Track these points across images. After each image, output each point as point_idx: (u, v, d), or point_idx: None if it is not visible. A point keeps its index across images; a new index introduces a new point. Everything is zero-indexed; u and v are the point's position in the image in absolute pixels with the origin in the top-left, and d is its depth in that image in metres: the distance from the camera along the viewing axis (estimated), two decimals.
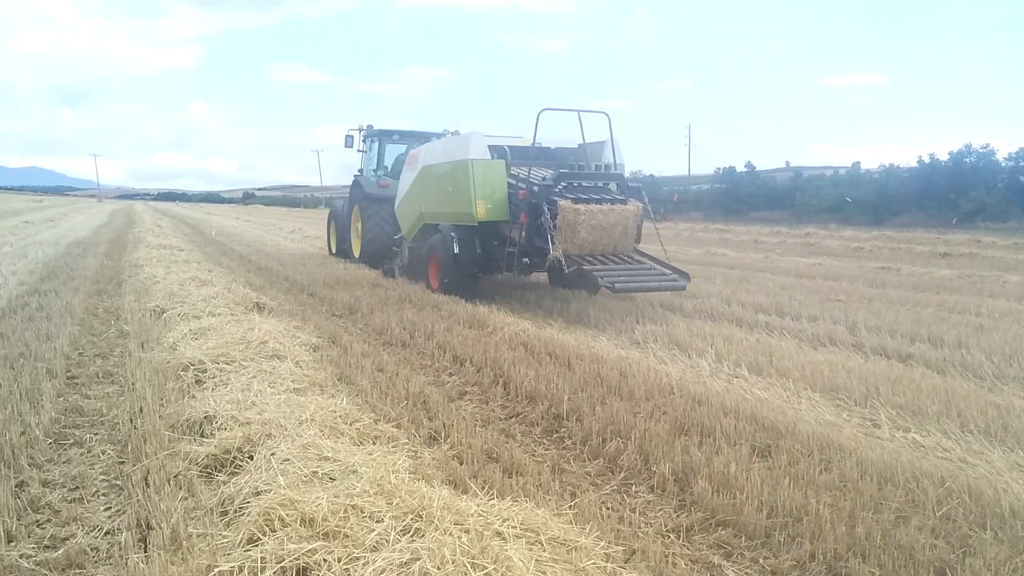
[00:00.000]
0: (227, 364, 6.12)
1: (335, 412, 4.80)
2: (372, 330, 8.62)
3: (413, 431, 4.94)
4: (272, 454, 3.99)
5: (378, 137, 16.43)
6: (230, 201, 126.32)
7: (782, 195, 41.32)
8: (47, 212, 47.42)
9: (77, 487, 4.04)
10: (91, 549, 3.34)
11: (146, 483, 3.97)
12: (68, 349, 7.12)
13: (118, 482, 4.08)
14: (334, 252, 18.16)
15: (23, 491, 3.91)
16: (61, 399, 5.57)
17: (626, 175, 11.12)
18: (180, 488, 3.92)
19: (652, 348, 7.54)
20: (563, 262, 9.26)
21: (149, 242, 19.96)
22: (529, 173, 10.39)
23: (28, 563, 3.16)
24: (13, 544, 3.34)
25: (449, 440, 4.76)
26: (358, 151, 16.82)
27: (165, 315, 8.60)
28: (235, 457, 4.18)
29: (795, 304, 9.95)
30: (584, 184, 10.17)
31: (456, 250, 10.73)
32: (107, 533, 3.51)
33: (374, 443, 4.47)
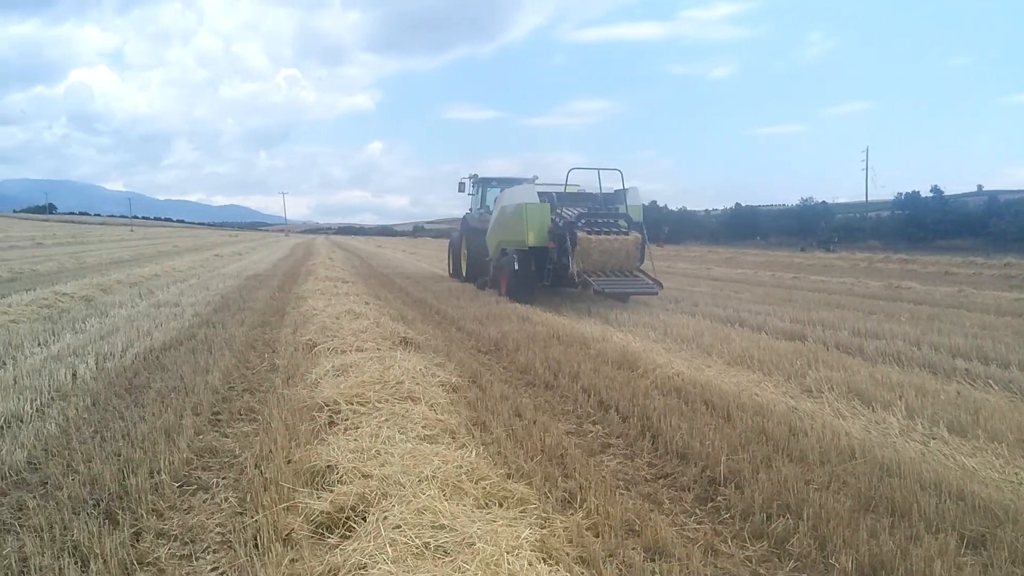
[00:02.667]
0: (361, 405, 5.91)
1: (461, 467, 4.38)
2: (515, 369, 8.21)
3: (546, 491, 4.41)
4: (384, 518, 3.61)
5: (481, 183, 20.53)
6: (402, 234, 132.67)
7: (974, 221, 37.62)
8: (238, 246, 51.54)
9: (190, 541, 3.84)
10: None
11: (255, 542, 3.71)
12: (219, 383, 7.21)
13: (231, 537, 3.85)
14: (451, 274, 22.28)
15: (137, 543, 3.76)
16: (199, 437, 5.52)
17: (641, 210, 15.13)
18: (289, 549, 3.63)
19: (827, 398, 6.61)
20: (575, 275, 13.44)
21: (319, 274, 20.87)
22: (561, 212, 14.55)
23: None
24: None
25: (585, 506, 4.19)
26: (468, 194, 20.85)
27: (316, 349, 8.64)
28: (348, 517, 3.84)
29: (1001, 348, 8.57)
30: (599, 220, 14.23)
31: (516, 267, 14.80)
32: None
33: (500, 505, 4.01)
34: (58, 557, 3.50)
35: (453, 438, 5.22)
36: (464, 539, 3.36)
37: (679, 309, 13.55)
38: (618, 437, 5.68)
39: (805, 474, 4.60)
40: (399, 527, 3.49)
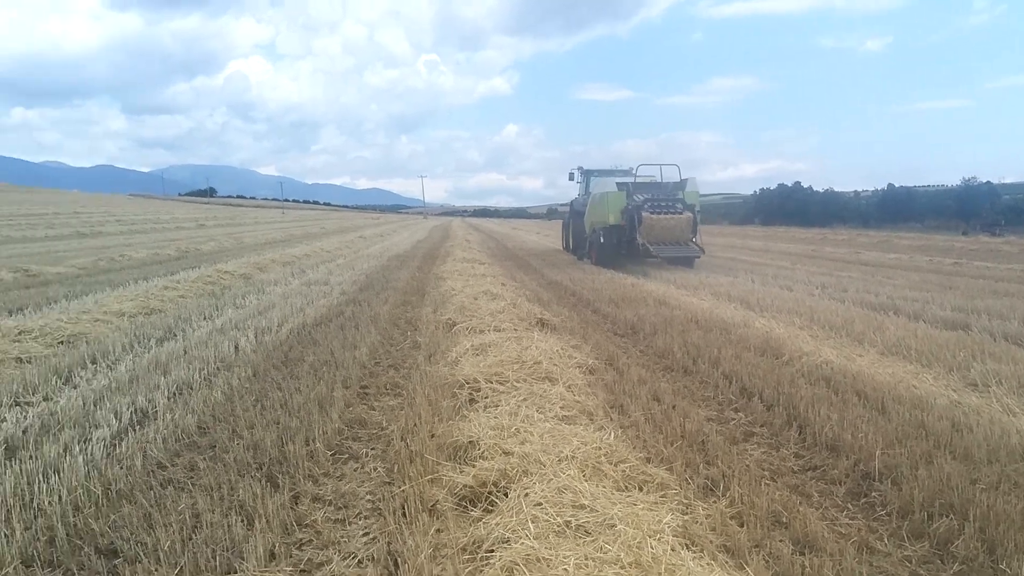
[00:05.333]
0: (500, 384, 6.00)
1: (600, 449, 4.36)
2: (653, 352, 8.09)
3: (687, 477, 4.33)
4: (526, 495, 3.66)
5: (586, 173, 24.26)
6: (535, 216, 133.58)
7: None
8: (380, 228, 53.64)
9: (343, 507, 4.05)
10: None
11: (403, 511, 3.85)
12: (366, 359, 7.54)
13: (380, 505, 4.02)
14: (563, 248, 27.07)
15: (296, 506, 4.00)
16: (349, 409, 5.80)
17: (696, 195, 19.31)
18: (435, 520, 3.75)
19: (995, 393, 6.10)
20: (640, 246, 18.13)
21: (456, 256, 21.38)
22: (633, 197, 18.83)
23: None
24: (273, 564, 3.36)
25: (728, 494, 4.08)
26: (577, 183, 24.98)
27: (455, 328, 8.87)
28: (490, 492, 3.92)
29: None
30: (661, 203, 18.68)
31: (602, 241, 19.51)
32: (359, 563, 3.40)
33: (640, 489, 3.97)
34: (226, 515, 3.78)
35: (591, 420, 5.21)
36: (605, 520, 3.35)
37: (826, 295, 12.89)
38: (762, 426, 5.48)
39: (971, 473, 4.28)
40: (540, 504, 3.52)
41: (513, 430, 4.73)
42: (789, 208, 63.07)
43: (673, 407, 5.77)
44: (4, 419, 5.34)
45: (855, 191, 71.30)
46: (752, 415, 5.71)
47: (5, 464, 4.42)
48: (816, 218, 58.86)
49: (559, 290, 14.20)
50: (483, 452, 4.44)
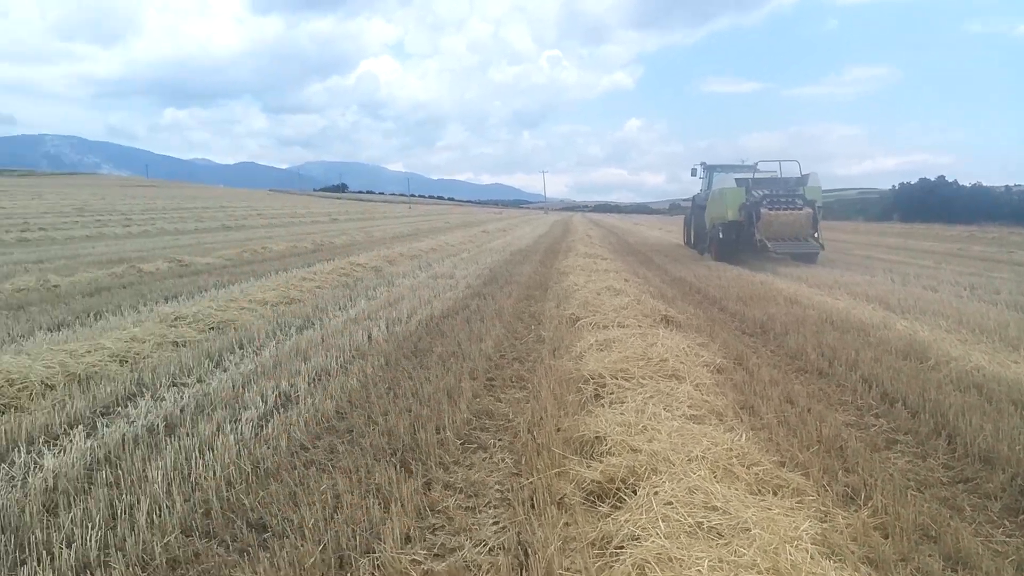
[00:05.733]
0: (625, 381, 5.97)
1: (731, 450, 4.26)
2: (784, 353, 7.81)
3: (824, 484, 4.16)
4: (655, 493, 3.63)
5: (708, 169, 24.13)
6: (657, 212, 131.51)
7: None
8: (502, 223, 54.30)
9: (473, 495, 4.14)
10: (473, 566, 3.32)
11: (532, 503, 3.90)
12: (491, 351, 7.68)
13: (509, 496, 4.09)
14: (685, 243, 27.04)
15: (428, 492, 4.13)
16: (476, 400, 5.92)
17: (818, 191, 19.26)
18: (563, 513, 3.78)
19: None
20: (758, 241, 18.27)
21: (578, 251, 21.38)
22: (752, 193, 18.93)
23: (416, 571, 3.24)
24: (409, 546, 3.48)
25: (871, 504, 3.89)
26: (699, 178, 24.98)
27: (579, 323, 8.88)
28: (618, 488, 3.91)
29: None
30: (780, 199, 18.74)
31: (721, 236, 19.83)
32: (490, 550, 3.47)
33: (774, 494, 3.84)
34: (364, 497, 3.95)
35: (720, 420, 5.09)
36: (739, 523, 3.27)
37: (975, 297, 12.03)
38: (906, 433, 5.19)
39: None
40: (670, 503, 3.48)
41: (640, 427, 4.70)
42: (932, 204, 59.10)
43: (808, 410, 5.56)
44: (164, 398, 5.79)
45: (1006, 186, 65.89)
46: (895, 422, 5.42)
47: (166, 440, 4.80)
48: (961, 215, 54.84)
49: (683, 287, 13.94)
50: (610, 448, 4.43)
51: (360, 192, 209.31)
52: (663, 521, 3.30)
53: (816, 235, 18.55)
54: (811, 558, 2.97)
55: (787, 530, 3.21)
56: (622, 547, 3.21)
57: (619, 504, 3.75)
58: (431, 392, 5.92)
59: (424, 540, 3.57)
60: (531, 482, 4.15)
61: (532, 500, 3.94)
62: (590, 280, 12.97)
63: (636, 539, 3.22)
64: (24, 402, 5.58)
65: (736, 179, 19.92)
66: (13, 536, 3.48)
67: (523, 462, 4.54)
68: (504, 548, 3.45)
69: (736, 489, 3.74)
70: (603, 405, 5.42)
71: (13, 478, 4.21)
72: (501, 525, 3.73)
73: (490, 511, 3.93)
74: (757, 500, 3.65)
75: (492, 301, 11.26)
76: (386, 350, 7.54)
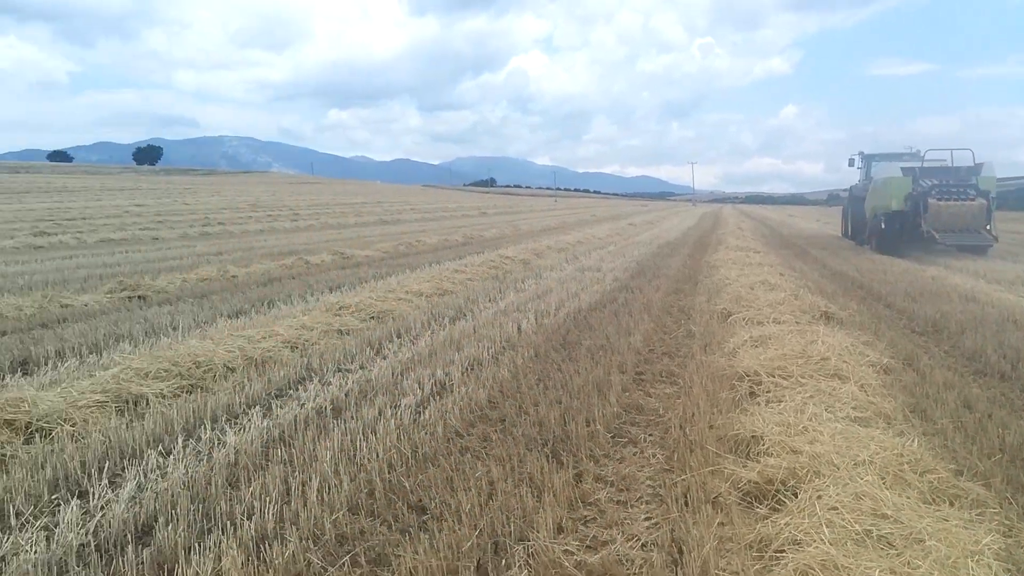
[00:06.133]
0: (783, 379, 5.75)
1: (901, 456, 4.01)
2: (960, 354, 7.23)
3: (1008, 496, 3.83)
4: (818, 497, 3.48)
5: (866, 159, 23.93)
6: (814, 202, 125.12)
7: None
8: (649, 215, 53.57)
9: (624, 489, 4.13)
10: (626, 560, 3.32)
11: (685, 501, 3.85)
12: (640, 345, 7.61)
13: (661, 492, 4.05)
14: (843, 235, 26.36)
15: (579, 483, 4.16)
16: (625, 394, 5.90)
17: (992, 180, 18.38)
18: (717, 513, 3.70)
19: None
20: (924, 232, 17.65)
21: (728, 243, 20.75)
22: (919, 183, 18.31)
23: (569, 562, 3.27)
24: (561, 537, 3.53)
25: None
26: (856, 168, 24.77)
27: (731, 318, 8.64)
28: (777, 490, 3.78)
29: None
30: (950, 189, 17.93)
31: (883, 226, 19.15)
32: (643, 546, 3.45)
33: (951, 504, 3.59)
34: (517, 485, 4.04)
35: (888, 423, 4.80)
36: (912, 534, 3.08)
37: None
38: None
39: None
40: (835, 509, 3.32)
41: (800, 428, 4.51)
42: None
43: (989, 416, 5.13)
44: (330, 383, 6.16)
45: None
46: None
47: (333, 422, 5.10)
48: None
49: (844, 281, 13.20)
50: (768, 448, 4.29)
51: (507, 186, 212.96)
52: (827, 527, 3.16)
53: (989, 227, 17.66)
54: (994, 574, 2.75)
55: (966, 543, 2.99)
56: (782, 551, 3.10)
57: (778, 507, 3.62)
58: (580, 385, 5.95)
59: (576, 531, 3.60)
60: (684, 479, 4.09)
61: (685, 498, 3.88)
62: (742, 274, 12.57)
63: (797, 544, 3.10)
64: (209, 383, 6.11)
65: (902, 168, 19.23)
66: (201, 505, 3.82)
67: (675, 458, 4.48)
68: (657, 545, 3.42)
69: (908, 497, 3.52)
70: (759, 404, 5.24)
71: (200, 452, 4.62)
72: (654, 521, 3.70)
73: (642, 506, 3.91)
74: (932, 510, 3.41)
75: (640, 294, 11.14)
76: (535, 342, 7.64)
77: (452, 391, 5.86)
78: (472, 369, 6.60)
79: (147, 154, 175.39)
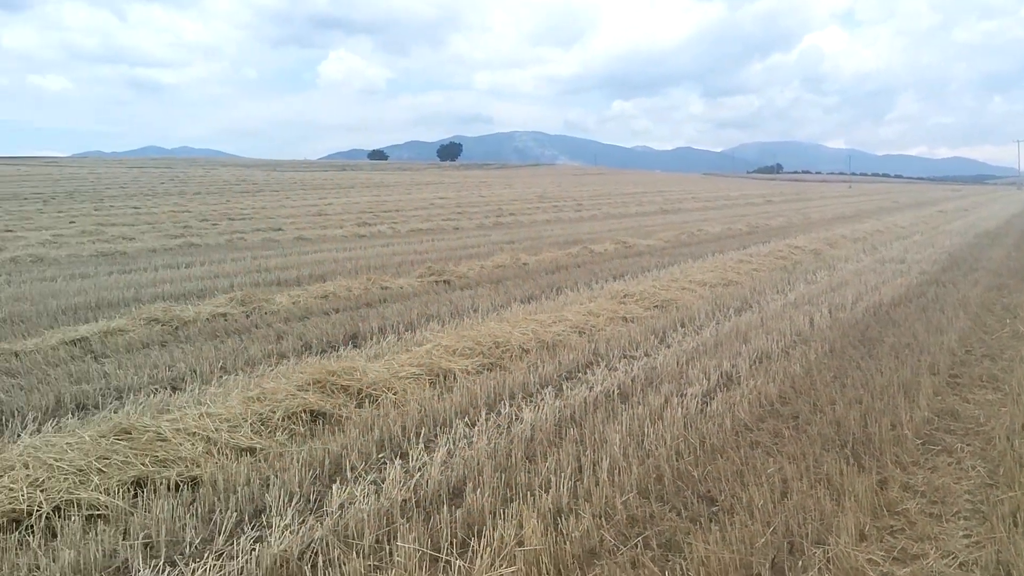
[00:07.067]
0: None
1: None
2: None
3: None
4: None
5: None
6: None
7: None
8: (962, 201, 47.59)
9: (937, 501, 3.77)
10: None
11: (1014, 520, 3.42)
12: (955, 345, 6.84)
13: (983, 508, 3.64)
14: None
15: (883, 490, 3.87)
16: (938, 399, 5.35)
17: None
18: None
19: None
20: None
21: None
22: None
23: (873, 572, 3.07)
24: (864, 545, 3.32)
25: None
26: None
27: None
28: None
29: None
30: None
31: None
32: (961, 565, 3.14)
33: None
34: (813, 486, 3.86)
35: None
36: None
37: None
38: None
39: None
40: None
41: None
42: None
43: None
44: (616, 368, 6.32)
45: None
46: None
47: (620, 407, 5.24)
48: None
49: None
50: None
51: (795, 172, 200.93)
52: None
53: None
54: None
55: None
56: None
57: None
58: (883, 385, 5.50)
59: (882, 541, 3.37)
60: (1012, 497, 3.63)
61: (1014, 517, 3.45)
62: None
63: None
64: (506, 362, 6.57)
65: None
66: (503, 475, 4.14)
67: (1000, 473, 3.99)
68: (979, 566, 3.09)
69: None
70: None
71: (500, 426, 5.00)
72: (974, 539, 3.34)
73: (959, 522, 3.55)
74: None
75: (953, 289, 9.98)
76: (830, 337, 7.18)
77: (740, 384, 5.73)
78: (760, 362, 6.39)
79: (449, 151, 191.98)
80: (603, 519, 3.62)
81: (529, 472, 4.16)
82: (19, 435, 4.71)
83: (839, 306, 8.78)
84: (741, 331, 7.54)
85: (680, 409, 5.07)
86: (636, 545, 3.36)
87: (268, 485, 3.96)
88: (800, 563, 3.17)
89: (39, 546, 3.35)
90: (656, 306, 9.08)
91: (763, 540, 3.29)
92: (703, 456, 4.37)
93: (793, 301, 9.33)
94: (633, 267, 13.19)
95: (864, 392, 5.36)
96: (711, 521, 3.56)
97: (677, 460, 4.30)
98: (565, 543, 3.34)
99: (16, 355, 6.65)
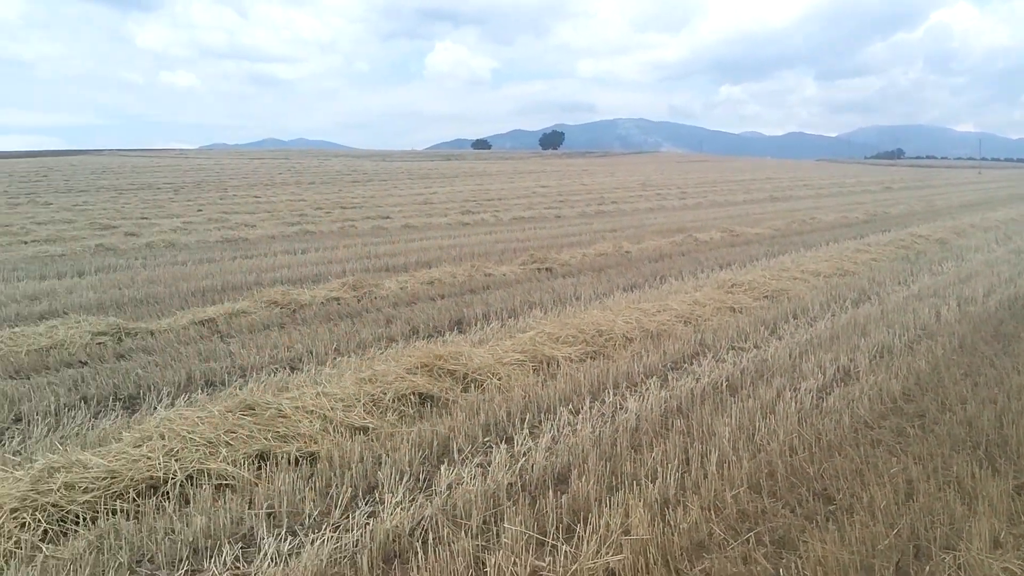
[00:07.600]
0: None
1: None
2: None
3: None
4: None
5: None
6: None
7: None
8: None
9: None
10: None
11: None
12: None
13: None
14: None
15: (1020, 496, 3.61)
16: None
17: None
18: None
19: None
20: None
21: None
22: None
23: None
24: (998, 552, 3.10)
25: None
26: None
27: None
28: None
29: None
30: None
31: None
32: None
33: None
34: (941, 488, 3.64)
35: None
36: None
37: None
38: None
39: None
40: None
41: None
42: None
43: None
44: (724, 359, 6.15)
45: None
46: None
47: (729, 399, 5.10)
48: None
49: None
50: None
51: (918, 158, 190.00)
52: None
53: None
54: None
55: None
56: None
57: None
58: (1020, 384, 5.13)
59: (1019, 549, 3.14)
60: None
61: None
62: None
63: None
64: (609, 351, 6.51)
65: None
66: (608, 463, 4.10)
67: None
68: None
69: None
70: None
71: (604, 415, 4.95)
72: None
73: None
74: None
75: None
76: (959, 331, 6.76)
77: (859, 379, 5.47)
78: (881, 357, 6.08)
79: (551, 139, 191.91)
80: (712, 512, 3.53)
81: (635, 462, 4.11)
82: (155, 408, 5.04)
83: (969, 299, 8.25)
84: (859, 324, 7.19)
85: (793, 404, 4.89)
86: (747, 540, 3.26)
87: (380, 463, 4.08)
88: (927, 568, 3.00)
89: (174, 511, 3.57)
90: (766, 296, 8.78)
91: (886, 542, 3.13)
92: (819, 453, 4.19)
93: (917, 293, 8.83)
94: (740, 256, 12.81)
95: (999, 391, 5.02)
96: (828, 520, 3.42)
97: (791, 456, 4.14)
98: (673, 534, 3.28)
99: (152, 334, 7.10)
